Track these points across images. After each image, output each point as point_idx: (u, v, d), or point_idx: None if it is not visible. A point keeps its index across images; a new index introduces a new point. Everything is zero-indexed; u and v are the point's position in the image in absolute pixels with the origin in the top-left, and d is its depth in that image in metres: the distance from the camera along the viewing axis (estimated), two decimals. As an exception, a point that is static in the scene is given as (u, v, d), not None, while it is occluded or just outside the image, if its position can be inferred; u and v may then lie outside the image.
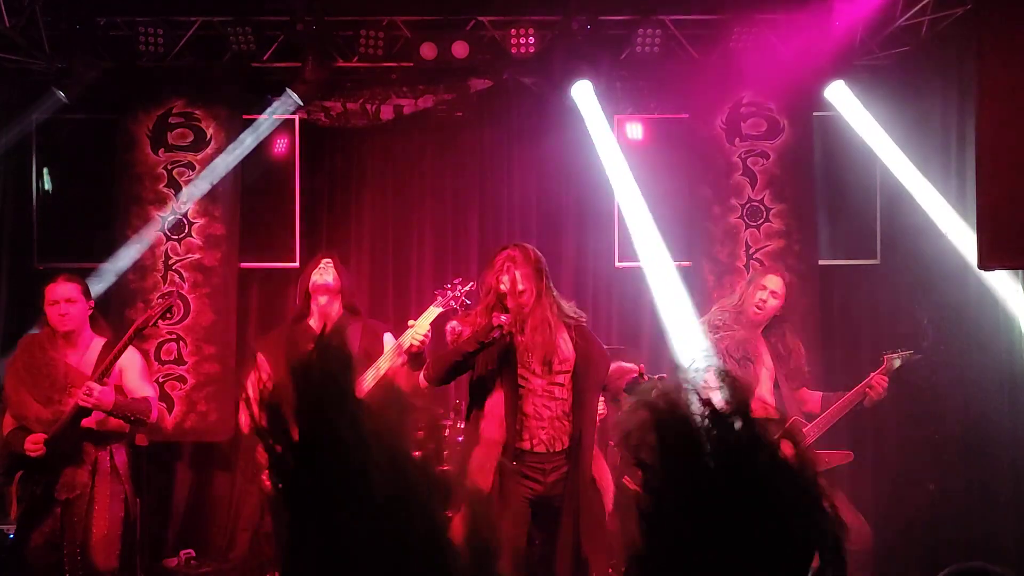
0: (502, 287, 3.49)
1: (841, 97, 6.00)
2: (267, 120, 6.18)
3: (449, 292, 4.02)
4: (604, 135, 6.19)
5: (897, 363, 4.53)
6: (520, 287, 3.51)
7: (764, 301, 4.50)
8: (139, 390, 4.16)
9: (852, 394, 4.50)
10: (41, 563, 3.99)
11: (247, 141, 6.18)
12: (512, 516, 3.42)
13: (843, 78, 5.98)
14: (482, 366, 3.56)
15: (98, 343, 4.23)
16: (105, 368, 3.95)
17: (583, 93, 6.07)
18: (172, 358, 6.07)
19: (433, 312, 4.00)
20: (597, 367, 3.61)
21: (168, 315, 4.05)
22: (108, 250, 6.11)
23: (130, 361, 4.14)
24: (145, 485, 4.91)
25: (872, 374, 4.50)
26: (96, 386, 3.88)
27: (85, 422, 4.00)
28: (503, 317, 3.45)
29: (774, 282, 4.54)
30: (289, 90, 6.10)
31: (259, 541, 4.08)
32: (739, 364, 4.43)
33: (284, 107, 6.19)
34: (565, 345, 3.61)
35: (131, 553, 4.17)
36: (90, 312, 4.22)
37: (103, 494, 4.05)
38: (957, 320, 5.83)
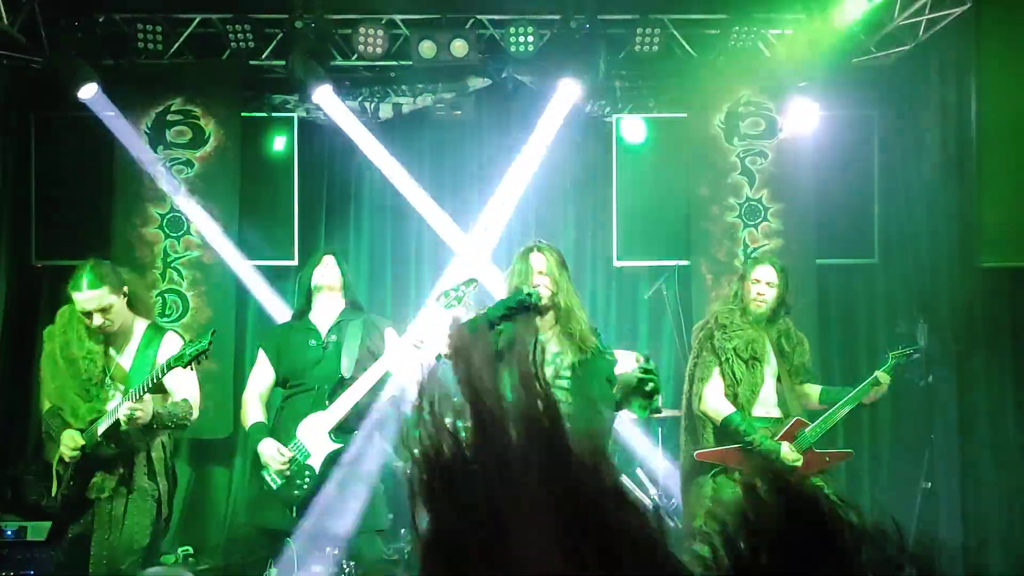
0: (536, 265, 3.44)
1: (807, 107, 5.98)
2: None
3: (453, 292, 3.99)
4: (600, 133, 6.23)
5: (902, 360, 4.53)
6: (552, 289, 3.45)
7: (761, 293, 4.48)
8: (181, 388, 3.91)
9: (854, 393, 4.50)
10: (73, 556, 3.87)
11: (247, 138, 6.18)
12: None
13: (840, 77, 5.99)
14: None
15: (140, 327, 3.96)
16: (141, 391, 3.67)
17: (574, 93, 6.08)
18: (171, 356, 6.06)
19: (437, 312, 3.99)
20: (600, 380, 3.50)
21: (204, 358, 3.65)
22: (106, 248, 6.11)
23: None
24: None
25: (876, 372, 4.50)
26: (138, 406, 3.64)
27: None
28: (531, 288, 3.35)
29: (765, 272, 4.50)
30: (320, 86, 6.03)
31: (256, 536, 4.06)
32: (747, 365, 4.41)
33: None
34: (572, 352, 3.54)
35: (152, 559, 3.98)
36: (126, 300, 3.88)
37: (134, 500, 3.86)
38: (954, 319, 5.85)
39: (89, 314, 3.76)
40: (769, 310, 4.50)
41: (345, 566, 5.02)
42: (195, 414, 3.95)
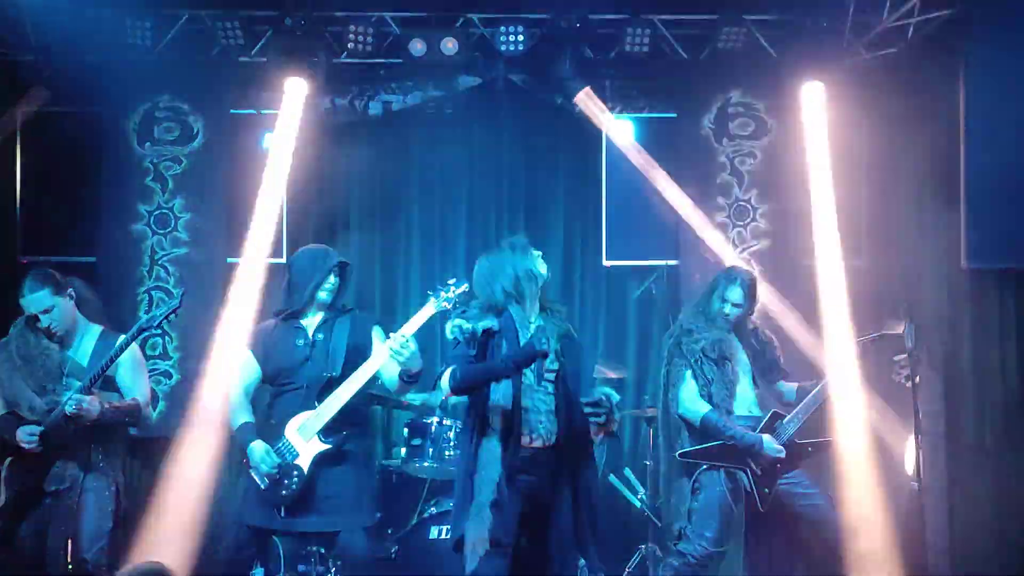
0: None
1: (817, 97, 6.02)
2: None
3: (443, 293, 3.97)
4: (609, 135, 6.27)
5: (868, 346, 4.57)
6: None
7: (727, 314, 4.55)
8: (132, 388, 4.09)
9: (826, 383, 4.54)
10: (28, 554, 3.94)
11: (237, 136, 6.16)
12: (507, 511, 3.40)
13: (829, 79, 6.02)
14: (481, 358, 3.56)
15: (94, 331, 4.14)
16: (99, 375, 3.88)
17: (586, 96, 6.11)
18: (157, 353, 6.04)
19: (427, 313, 3.96)
20: (582, 367, 3.62)
21: (173, 316, 3.97)
22: (92, 244, 6.08)
23: (125, 356, 4.03)
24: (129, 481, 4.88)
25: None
26: (85, 398, 3.83)
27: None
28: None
29: (735, 294, 4.54)
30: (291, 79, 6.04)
31: (245, 535, 4.05)
32: (717, 364, 4.44)
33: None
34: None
35: (116, 549, 4.11)
36: (73, 301, 4.10)
37: (93, 487, 3.98)
38: (940, 320, 5.88)
39: (36, 317, 4.00)
40: (735, 322, 4.57)
41: (331, 565, 5.01)
42: (146, 413, 4.16)
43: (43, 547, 3.93)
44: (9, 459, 4.00)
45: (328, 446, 4.01)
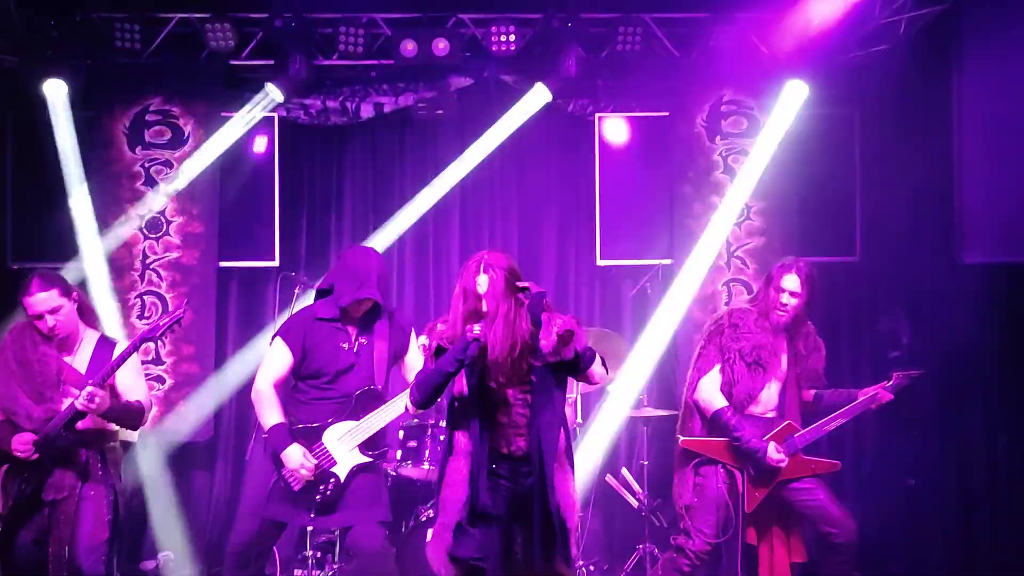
0: (479, 289, 3.38)
1: (797, 96, 6.00)
2: (247, 117, 6.12)
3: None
4: (582, 133, 6.26)
5: (906, 381, 4.50)
6: (488, 289, 3.41)
7: (785, 304, 4.40)
8: (133, 390, 4.02)
9: (854, 406, 4.45)
10: (28, 561, 3.89)
11: (227, 139, 6.13)
12: (490, 523, 3.37)
13: (821, 75, 6.02)
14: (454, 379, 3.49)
15: (92, 336, 4.08)
16: (106, 375, 3.82)
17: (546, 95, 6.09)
18: (150, 358, 6.00)
19: None
20: (556, 373, 3.47)
21: (177, 326, 3.92)
22: (84, 249, 6.04)
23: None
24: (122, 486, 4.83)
25: (878, 388, 4.46)
26: (99, 391, 3.76)
27: (79, 424, 3.88)
28: (476, 328, 3.31)
29: (792, 282, 4.39)
30: (269, 84, 6.04)
31: (267, 528, 4.07)
32: (749, 368, 4.37)
33: (264, 104, 6.13)
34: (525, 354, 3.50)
35: (113, 558, 4.06)
36: (76, 306, 4.03)
37: (91, 496, 3.91)
38: (935, 316, 5.88)
39: (40, 317, 3.90)
40: (790, 319, 4.44)
41: (332, 563, 4.98)
42: (147, 417, 4.08)
43: (42, 556, 3.87)
44: (6, 467, 3.93)
45: (369, 459, 4.05)
